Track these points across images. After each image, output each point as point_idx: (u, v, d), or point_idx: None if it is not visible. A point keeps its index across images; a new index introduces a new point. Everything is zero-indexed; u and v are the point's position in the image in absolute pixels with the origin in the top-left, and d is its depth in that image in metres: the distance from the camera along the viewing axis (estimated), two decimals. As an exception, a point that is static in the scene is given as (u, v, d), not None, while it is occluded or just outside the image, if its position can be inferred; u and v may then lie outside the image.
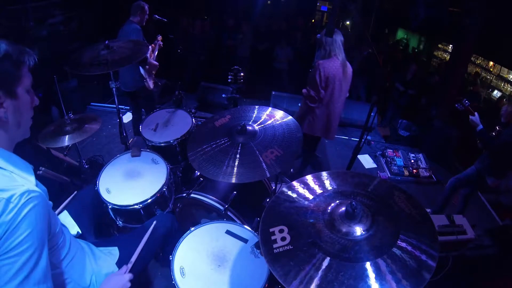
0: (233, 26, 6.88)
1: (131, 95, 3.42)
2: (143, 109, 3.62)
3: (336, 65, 2.50)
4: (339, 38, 2.48)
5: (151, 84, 3.32)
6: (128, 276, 1.25)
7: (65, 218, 1.59)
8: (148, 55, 3.18)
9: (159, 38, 3.47)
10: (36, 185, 0.93)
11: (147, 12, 3.20)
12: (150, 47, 3.27)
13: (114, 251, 1.43)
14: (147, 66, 3.20)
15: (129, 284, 1.23)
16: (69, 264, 1.13)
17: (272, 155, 1.56)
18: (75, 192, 1.75)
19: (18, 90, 0.91)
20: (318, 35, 3.73)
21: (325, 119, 2.71)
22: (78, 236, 1.57)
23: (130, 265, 1.32)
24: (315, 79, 2.49)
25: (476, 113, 2.64)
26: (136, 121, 3.66)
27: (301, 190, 1.28)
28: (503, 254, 2.70)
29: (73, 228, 1.58)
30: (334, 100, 2.61)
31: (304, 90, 2.66)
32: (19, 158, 0.95)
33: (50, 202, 0.97)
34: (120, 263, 1.38)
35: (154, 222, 1.57)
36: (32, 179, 0.94)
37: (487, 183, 2.70)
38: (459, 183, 2.97)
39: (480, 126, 2.59)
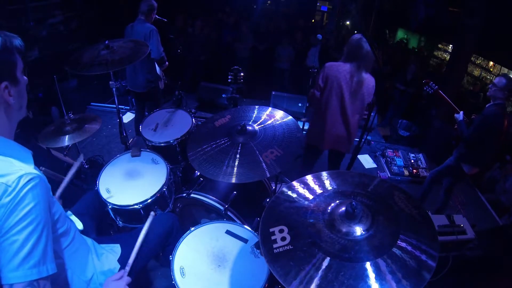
0: (233, 25, 6.88)
1: (139, 96, 3.35)
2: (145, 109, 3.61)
3: (343, 69, 2.23)
4: (364, 46, 2.13)
5: (162, 83, 3.30)
6: (126, 280, 1.24)
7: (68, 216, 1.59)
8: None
9: None
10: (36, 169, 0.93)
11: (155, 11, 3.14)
12: None
13: (116, 249, 1.44)
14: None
15: None
16: (71, 255, 1.13)
17: (272, 155, 1.56)
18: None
19: (18, 75, 0.93)
20: (319, 35, 3.70)
21: (320, 126, 2.43)
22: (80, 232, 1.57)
23: (128, 268, 1.31)
24: (318, 77, 2.34)
25: (461, 112, 2.69)
26: (138, 121, 3.64)
27: (301, 190, 1.28)
28: (503, 254, 2.70)
29: (77, 224, 1.58)
30: (331, 105, 2.31)
31: (311, 91, 2.43)
32: (19, 145, 0.96)
33: (49, 185, 0.97)
34: (122, 260, 1.39)
35: (149, 220, 1.55)
36: (30, 164, 0.95)
37: (464, 171, 2.71)
38: (440, 175, 2.99)
39: (461, 117, 2.67)
